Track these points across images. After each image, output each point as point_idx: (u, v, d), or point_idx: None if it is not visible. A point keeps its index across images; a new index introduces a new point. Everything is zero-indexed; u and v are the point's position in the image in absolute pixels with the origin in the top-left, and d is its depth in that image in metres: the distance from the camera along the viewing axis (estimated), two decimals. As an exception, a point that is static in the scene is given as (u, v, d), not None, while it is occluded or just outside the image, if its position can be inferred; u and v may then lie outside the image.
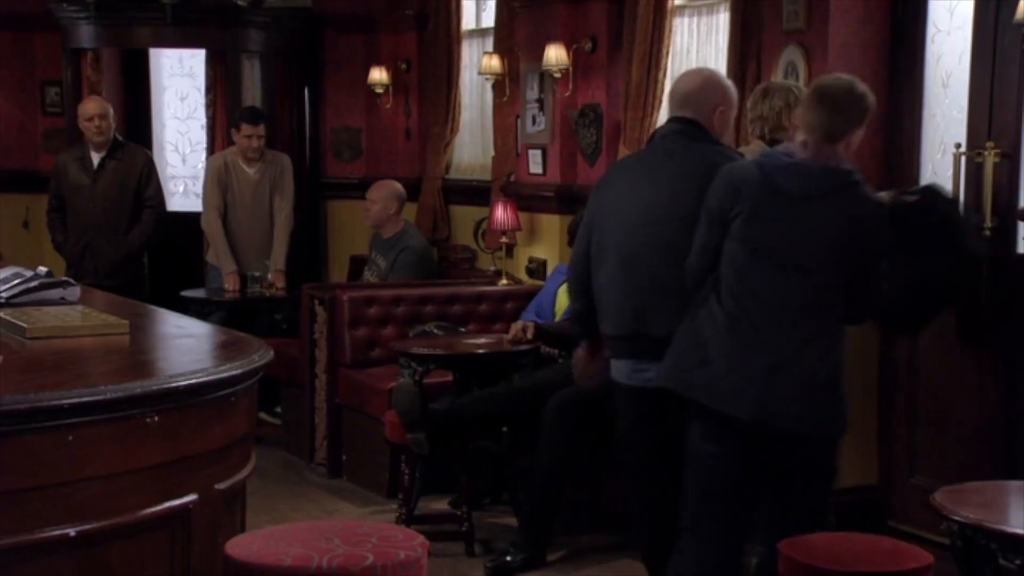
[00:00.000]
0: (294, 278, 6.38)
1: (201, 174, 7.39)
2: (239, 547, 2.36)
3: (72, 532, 2.21)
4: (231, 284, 6.30)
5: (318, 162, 7.64)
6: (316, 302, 5.60)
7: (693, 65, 5.24)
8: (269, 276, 6.32)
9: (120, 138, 6.32)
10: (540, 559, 4.34)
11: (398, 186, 6.13)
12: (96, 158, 6.13)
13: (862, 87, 3.05)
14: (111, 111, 6.19)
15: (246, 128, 6.26)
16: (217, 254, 6.41)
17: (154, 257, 6.67)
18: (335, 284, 6.20)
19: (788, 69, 4.54)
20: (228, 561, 2.34)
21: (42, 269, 3.36)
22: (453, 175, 6.97)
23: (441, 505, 4.90)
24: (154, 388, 2.38)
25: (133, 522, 2.33)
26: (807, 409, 2.97)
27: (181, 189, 7.95)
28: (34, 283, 3.18)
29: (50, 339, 2.80)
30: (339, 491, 5.33)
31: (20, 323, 2.84)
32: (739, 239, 2.98)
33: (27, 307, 3.09)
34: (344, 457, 5.54)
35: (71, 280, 3.30)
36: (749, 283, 2.97)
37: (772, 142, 3.61)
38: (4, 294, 3.11)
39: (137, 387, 2.38)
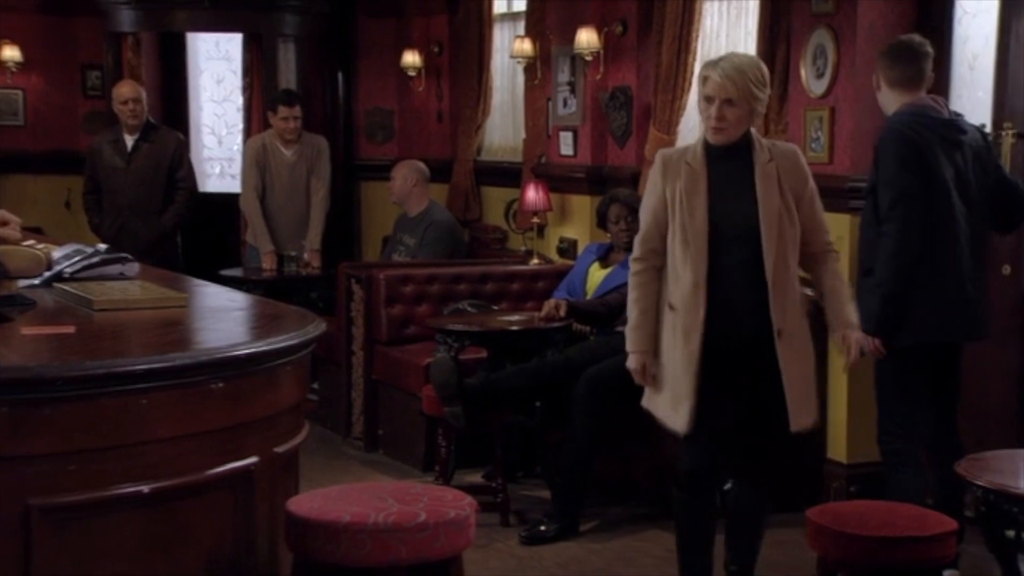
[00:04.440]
0: (328, 258, 6.53)
1: (236, 156, 7.56)
2: (300, 505, 2.51)
3: (146, 489, 2.35)
4: (268, 263, 6.45)
5: (351, 144, 7.78)
6: (353, 281, 5.74)
7: (723, 48, 5.34)
8: (305, 256, 6.46)
9: (153, 121, 6.46)
10: (573, 530, 4.48)
11: (418, 163, 6.28)
12: (130, 141, 6.27)
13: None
14: (144, 94, 6.34)
15: (283, 110, 6.40)
16: (255, 234, 6.56)
17: (190, 237, 6.83)
18: (371, 263, 6.34)
19: (817, 52, 4.63)
20: (291, 518, 2.49)
21: (101, 246, 3.52)
22: (484, 157, 7.10)
23: (475, 478, 5.04)
24: (218, 356, 2.52)
25: (200, 481, 2.47)
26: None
27: (217, 171, 8.11)
28: (95, 259, 3.33)
29: (115, 311, 2.94)
30: (375, 464, 5.48)
31: (87, 296, 3.00)
32: None
33: (89, 282, 3.24)
34: (380, 431, 5.69)
35: (130, 256, 3.45)
36: None
37: None
38: (68, 269, 3.26)
39: (203, 355, 2.52)
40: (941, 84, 4.44)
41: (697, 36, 5.31)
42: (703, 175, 3.27)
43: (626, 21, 5.77)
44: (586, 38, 5.72)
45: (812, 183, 3.36)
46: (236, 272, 6.55)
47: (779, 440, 3.36)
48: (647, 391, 3.41)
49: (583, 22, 5.78)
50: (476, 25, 6.87)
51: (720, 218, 3.25)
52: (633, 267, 3.39)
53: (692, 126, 5.40)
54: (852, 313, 3.36)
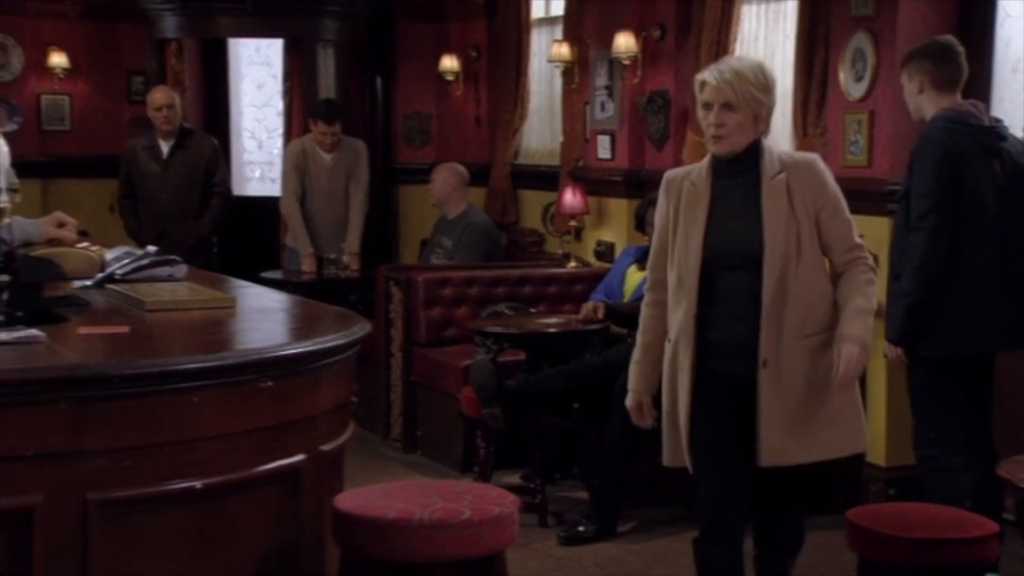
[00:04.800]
0: (367, 260, 6.60)
1: (276, 160, 7.65)
2: (347, 501, 2.56)
3: (198, 485, 2.42)
4: (308, 266, 6.53)
5: (390, 148, 7.86)
6: (392, 283, 5.80)
7: (760, 52, 5.36)
8: (344, 258, 6.54)
9: (187, 126, 6.54)
10: (611, 530, 4.51)
11: (458, 166, 6.33)
12: (165, 147, 6.34)
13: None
14: (178, 100, 6.41)
15: (322, 126, 6.47)
16: (295, 237, 6.65)
17: (230, 240, 6.93)
18: (410, 266, 6.40)
19: (856, 55, 4.63)
20: (338, 514, 2.54)
21: (151, 248, 3.60)
22: (522, 160, 7.15)
23: (513, 479, 5.08)
24: (267, 355, 2.58)
25: (249, 478, 2.52)
26: None
27: (257, 174, 8.22)
28: (145, 261, 3.41)
29: (166, 311, 3.02)
30: (414, 465, 5.54)
31: (139, 297, 3.07)
32: None
33: (139, 283, 3.32)
34: (418, 433, 5.74)
35: (178, 258, 3.53)
36: None
37: None
38: (119, 271, 3.34)
39: (252, 354, 2.59)
40: (983, 88, 4.43)
41: (735, 40, 5.33)
42: (705, 194, 2.99)
43: (664, 25, 5.80)
44: (624, 42, 5.75)
45: (833, 192, 3.02)
46: (276, 274, 6.63)
47: (785, 484, 3.09)
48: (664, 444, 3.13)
49: (621, 26, 5.81)
50: (514, 30, 6.93)
51: (719, 241, 2.96)
52: (645, 298, 3.17)
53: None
54: (855, 326, 2.98)
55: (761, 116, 2.98)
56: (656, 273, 3.11)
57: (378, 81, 7.79)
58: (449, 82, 7.49)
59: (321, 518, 2.67)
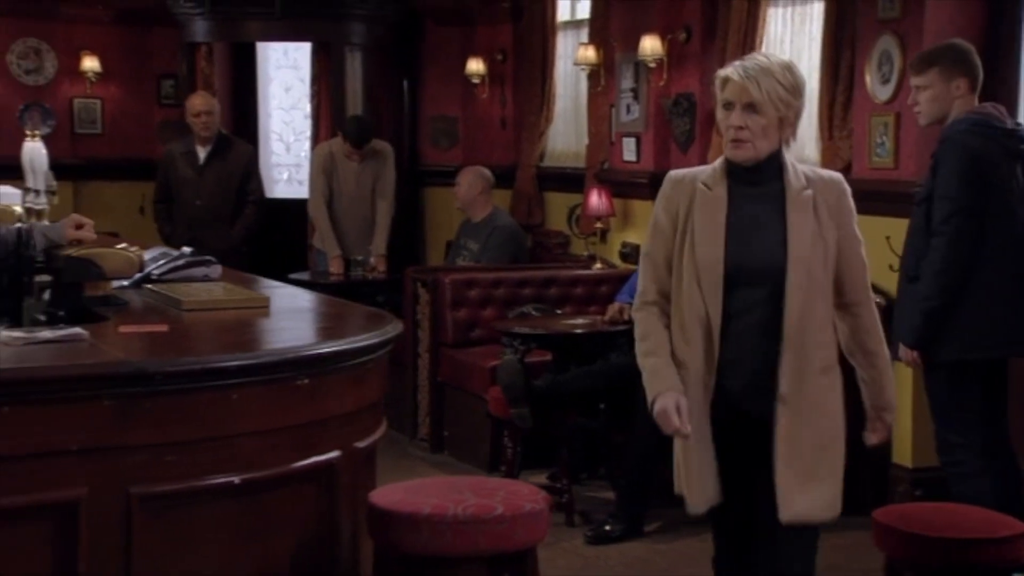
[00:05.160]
0: (394, 262, 6.66)
1: (304, 162, 7.73)
2: (382, 497, 2.61)
3: (237, 480, 2.48)
4: (336, 267, 6.60)
5: (416, 150, 7.93)
6: (419, 285, 5.86)
7: (786, 55, 5.37)
8: (371, 260, 6.60)
9: (225, 133, 6.57)
10: (637, 530, 4.54)
11: (483, 169, 6.37)
12: (202, 152, 6.36)
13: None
14: (217, 106, 6.45)
15: (348, 148, 6.51)
16: (323, 239, 6.71)
17: (258, 242, 6.98)
18: (437, 267, 6.45)
19: (882, 58, 4.65)
20: (373, 509, 2.59)
21: (186, 249, 3.67)
22: (547, 163, 7.19)
23: (540, 479, 5.11)
24: (304, 354, 2.64)
25: (286, 474, 2.58)
26: None
27: (285, 177, 8.29)
28: (181, 262, 3.48)
29: (202, 311, 3.09)
30: (441, 465, 5.59)
31: (176, 296, 3.14)
32: None
33: (176, 283, 3.39)
34: (445, 433, 5.79)
35: (213, 259, 3.59)
36: None
37: None
38: (156, 271, 3.41)
39: (289, 352, 2.64)
40: (1011, 90, 4.43)
41: (761, 43, 5.35)
42: (723, 199, 2.63)
43: (690, 28, 5.83)
44: (650, 45, 5.79)
45: (854, 216, 2.73)
46: (304, 276, 6.69)
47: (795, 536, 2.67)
48: (678, 472, 2.72)
49: (647, 29, 5.85)
50: (540, 33, 6.98)
51: (738, 256, 2.61)
52: (635, 305, 2.74)
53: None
54: (892, 392, 2.77)
55: (788, 120, 2.63)
56: (646, 296, 2.69)
57: (405, 84, 7.85)
58: (475, 85, 7.55)
59: (355, 513, 2.72)
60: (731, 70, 2.63)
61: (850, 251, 2.69)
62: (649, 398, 2.64)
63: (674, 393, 2.61)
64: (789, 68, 2.65)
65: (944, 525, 2.96)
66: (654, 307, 2.69)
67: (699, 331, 2.61)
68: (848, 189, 2.72)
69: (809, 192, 2.64)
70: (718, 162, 2.70)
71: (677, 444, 2.69)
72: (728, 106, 2.62)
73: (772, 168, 2.64)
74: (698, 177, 2.68)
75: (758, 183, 2.65)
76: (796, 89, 2.63)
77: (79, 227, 3.07)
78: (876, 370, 2.75)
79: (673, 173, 2.74)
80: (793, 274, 2.59)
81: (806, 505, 2.61)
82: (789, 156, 2.69)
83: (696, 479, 2.65)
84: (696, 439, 2.62)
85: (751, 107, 2.59)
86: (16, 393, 2.28)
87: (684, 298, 2.63)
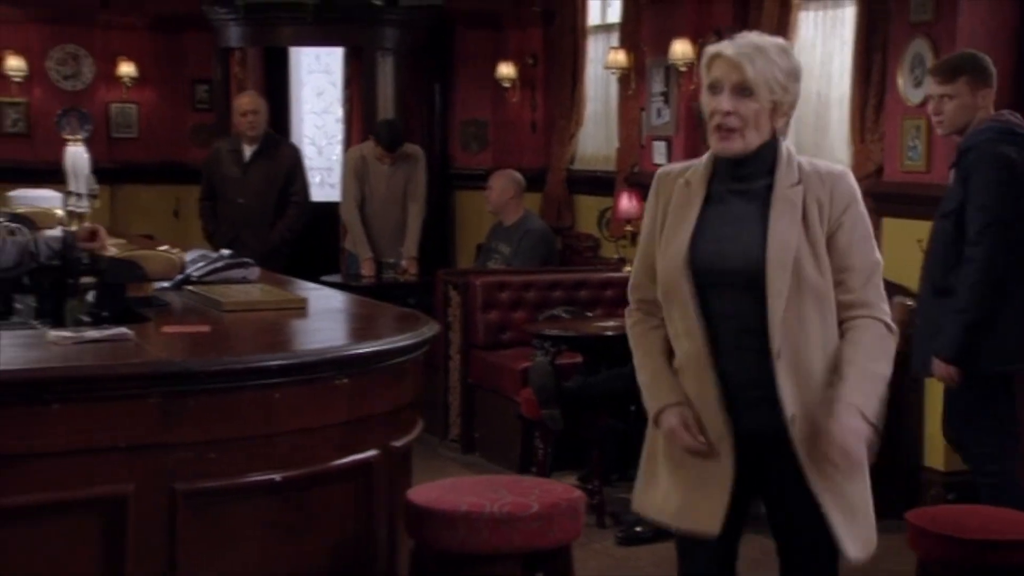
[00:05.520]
0: (425, 265, 6.72)
1: (335, 166, 7.81)
2: (419, 495, 2.66)
3: (278, 478, 2.53)
4: (367, 270, 6.65)
5: (447, 153, 7.98)
6: (450, 287, 5.91)
7: (817, 59, 5.39)
8: (402, 263, 6.66)
9: (272, 133, 6.56)
10: (668, 532, 4.55)
11: (515, 173, 6.41)
12: (248, 152, 6.35)
13: None
14: (264, 106, 6.41)
15: (379, 151, 6.55)
16: (355, 242, 6.77)
17: (295, 243, 7.04)
18: (467, 270, 6.50)
19: (914, 61, 4.65)
20: (410, 507, 2.64)
21: (225, 251, 3.73)
22: (577, 166, 7.23)
23: (571, 480, 5.14)
24: (343, 354, 2.69)
25: (325, 472, 2.63)
26: None
27: (317, 180, 8.35)
28: (220, 264, 3.55)
29: (242, 312, 3.14)
30: (472, 466, 5.62)
31: (216, 298, 3.20)
32: None
33: (215, 285, 3.45)
34: (476, 434, 5.83)
35: (251, 261, 3.65)
36: None
37: None
38: (195, 273, 3.48)
39: (330, 352, 2.70)
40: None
41: (792, 47, 5.36)
42: (699, 196, 2.37)
43: (721, 32, 5.84)
44: (680, 49, 5.81)
45: (859, 213, 2.39)
46: (335, 278, 6.75)
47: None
48: (639, 487, 2.54)
49: (677, 33, 5.87)
50: (571, 37, 7.02)
51: (710, 258, 2.34)
52: (627, 324, 2.54)
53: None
54: (862, 392, 2.31)
55: (781, 108, 2.33)
56: (637, 293, 2.50)
57: (436, 88, 7.91)
58: (506, 89, 7.60)
59: (392, 511, 2.77)
60: (722, 46, 2.34)
61: (849, 248, 2.34)
62: (650, 415, 2.44)
63: (676, 408, 2.39)
64: (785, 50, 2.37)
65: (977, 527, 2.96)
66: (643, 310, 2.47)
67: (684, 338, 2.37)
68: (851, 183, 2.39)
69: (799, 188, 2.34)
70: (705, 156, 2.41)
71: (656, 455, 2.46)
72: (715, 88, 2.31)
73: (763, 162, 2.35)
74: (684, 173, 2.42)
75: (745, 179, 2.36)
76: (793, 73, 2.34)
77: (92, 235, 3.07)
78: (857, 366, 2.32)
79: (662, 168, 2.50)
80: (773, 278, 2.28)
81: (861, 543, 2.36)
82: (786, 147, 2.38)
83: (703, 500, 2.36)
84: (704, 454, 2.36)
85: (742, 89, 2.28)
86: (66, 391, 2.34)
87: (663, 303, 2.41)
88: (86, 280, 3.19)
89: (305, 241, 7.51)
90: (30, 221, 3.72)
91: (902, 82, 4.71)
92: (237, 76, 7.46)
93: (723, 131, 2.31)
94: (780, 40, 2.40)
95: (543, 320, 5.48)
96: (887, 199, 4.76)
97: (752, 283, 2.30)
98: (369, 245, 6.66)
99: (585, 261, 6.69)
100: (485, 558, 2.54)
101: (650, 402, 2.45)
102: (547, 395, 4.67)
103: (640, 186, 6.22)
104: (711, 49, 2.33)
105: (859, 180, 4.97)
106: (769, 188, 2.33)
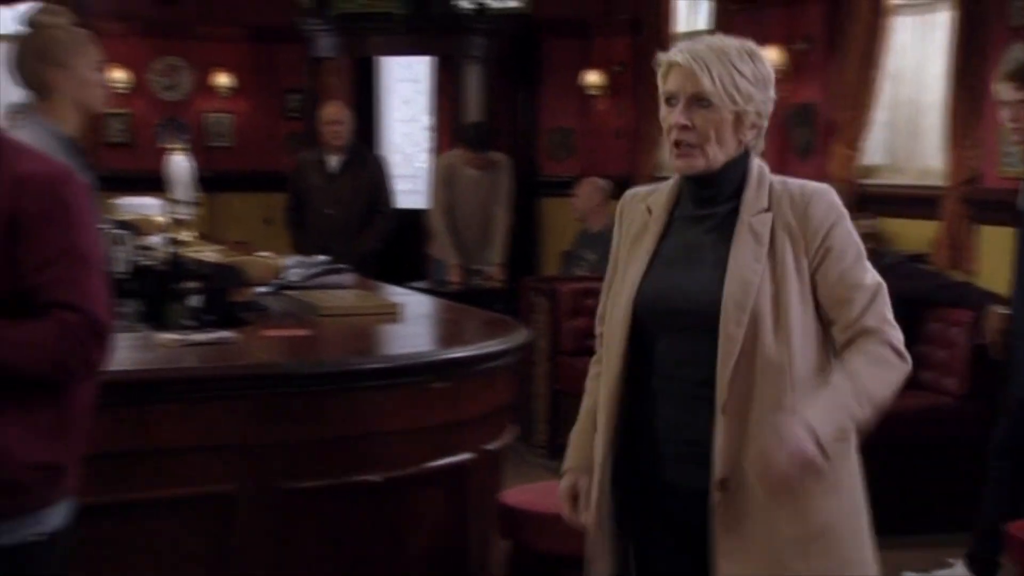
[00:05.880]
0: (511, 271, 6.76)
1: (422, 174, 7.90)
2: (513, 497, 2.69)
3: (379, 478, 2.59)
4: (454, 276, 6.72)
5: (533, 161, 8.02)
6: (536, 294, 5.94)
7: (910, 65, 5.30)
8: (489, 269, 6.71)
9: (359, 143, 6.64)
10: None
11: (601, 180, 6.42)
12: (333, 162, 6.38)
13: None
14: (349, 116, 6.46)
15: (467, 154, 6.61)
16: (442, 248, 6.85)
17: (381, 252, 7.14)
18: (553, 277, 6.53)
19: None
20: (505, 509, 2.67)
21: (321, 257, 3.82)
22: (664, 173, 7.20)
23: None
24: (440, 358, 2.74)
25: (423, 473, 2.68)
26: None
27: (404, 188, 8.48)
28: (317, 269, 3.63)
29: (339, 316, 3.22)
30: (558, 471, 5.63)
31: (314, 302, 3.28)
32: None
33: (312, 290, 3.53)
34: (562, 440, 5.82)
35: (346, 267, 3.73)
36: None
37: None
38: (293, 278, 3.57)
39: (426, 356, 2.75)
40: None
41: (885, 52, 5.29)
42: (658, 224, 2.08)
43: (811, 37, 5.79)
44: (770, 55, 5.77)
45: (844, 229, 2.01)
46: (422, 285, 6.82)
47: None
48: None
49: (768, 39, 5.83)
50: (658, 44, 7.00)
51: (657, 297, 2.03)
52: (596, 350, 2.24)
53: (875, 141, 5.41)
54: (819, 409, 1.89)
55: (746, 119, 2.01)
56: (603, 315, 2.21)
57: (522, 96, 7.96)
58: (592, 96, 7.61)
59: (485, 513, 2.81)
60: (676, 52, 2.02)
61: (837, 280, 1.99)
62: (563, 466, 2.25)
63: (573, 474, 2.20)
64: (751, 52, 2.03)
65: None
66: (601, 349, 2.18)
67: (607, 386, 2.08)
68: (831, 200, 2.02)
69: (767, 216, 2.01)
70: (673, 178, 2.11)
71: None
72: (671, 100, 2.01)
73: (729, 183, 2.03)
74: (647, 198, 2.13)
75: (708, 202, 2.05)
76: (760, 79, 2.02)
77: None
78: (840, 377, 1.96)
79: (629, 191, 2.19)
80: (726, 321, 1.95)
81: None
82: (758, 165, 2.05)
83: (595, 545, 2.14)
84: (592, 518, 2.13)
85: (699, 100, 1.98)
86: (177, 391, 2.43)
87: (605, 341, 2.13)
88: (190, 284, 3.29)
89: (391, 248, 7.63)
90: (135, 227, 3.85)
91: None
92: (329, 85, 7.59)
93: (681, 147, 2.00)
94: (747, 42, 2.06)
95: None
96: (984, 206, 4.67)
97: (703, 326, 1.98)
98: (456, 251, 6.73)
99: (671, 268, 6.64)
100: (579, 560, 2.55)
101: (566, 458, 2.26)
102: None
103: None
104: (664, 57, 2.03)
105: (954, 187, 4.97)
106: (735, 212, 2.03)
